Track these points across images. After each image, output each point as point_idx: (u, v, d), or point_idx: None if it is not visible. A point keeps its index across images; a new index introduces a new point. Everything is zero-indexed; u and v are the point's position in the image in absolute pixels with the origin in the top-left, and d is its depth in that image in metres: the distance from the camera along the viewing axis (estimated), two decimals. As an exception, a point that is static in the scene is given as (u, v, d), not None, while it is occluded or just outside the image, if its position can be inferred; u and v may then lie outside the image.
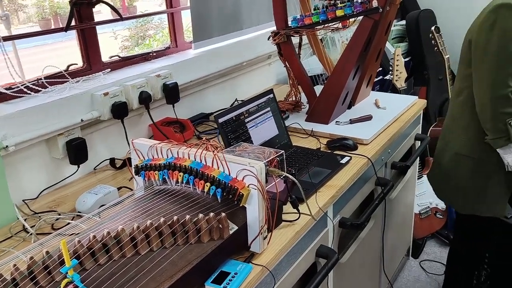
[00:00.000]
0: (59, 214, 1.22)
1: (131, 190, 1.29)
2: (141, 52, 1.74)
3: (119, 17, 1.56)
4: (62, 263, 0.81)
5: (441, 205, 2.39)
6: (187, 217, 0.93)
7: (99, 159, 1.50)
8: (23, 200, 1.29)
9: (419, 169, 2.30)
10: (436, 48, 2.44)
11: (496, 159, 1.50)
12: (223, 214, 0.95)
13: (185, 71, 1.74)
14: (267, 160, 1.00)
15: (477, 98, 1.46)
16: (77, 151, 1.37)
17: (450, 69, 2.58)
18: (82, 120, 1.37)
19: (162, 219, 0.91)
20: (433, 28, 2.43)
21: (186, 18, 1.89)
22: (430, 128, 2.49)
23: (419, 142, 1.98)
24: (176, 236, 0.91)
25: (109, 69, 1.58)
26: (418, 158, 2.13)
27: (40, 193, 1.34)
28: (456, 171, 1.61)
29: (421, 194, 2.32)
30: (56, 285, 0.79)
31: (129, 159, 1.23)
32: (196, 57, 1.82)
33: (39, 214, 1.22)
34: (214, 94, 1.96)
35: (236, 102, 2.02)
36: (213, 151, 1.00)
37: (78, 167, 1.40)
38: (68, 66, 1.48)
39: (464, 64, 1.53)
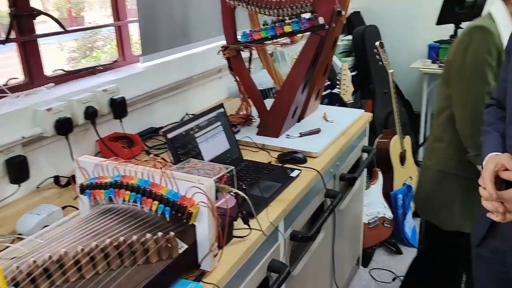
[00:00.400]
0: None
1: (77, 209, 1.24)
2: (87, 66, 1.69)
3: (62, 30, 1.52)
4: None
5: (389, 214, 2.47)
6: (134, 237, 0.90)
7: (43, 177, 1.43)
8: (-44, 223, 1.21)
9: (366, 180, 2.37)
10: (380, 62, 2.54)
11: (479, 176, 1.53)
12: (172, 233, 0.93)
13: (134, 85, 1.70)
14: (217, 177, 1.00)
15: (457, 116, 1.52)
16: (17, 170, 1.30)
17: (394, 82, 2.69)
18: (23, 137, 1.30)
19: (107, 241, 0.88)
20: (377, 43, 2.53)
21: (135, 30, 1.86)
22: (376, 140, 2.58)
23: (366, 154, 2.04)
24: (123, 257, 0.88)
25: (53, 84, 1.52)
26: (365, 170, 2.20)
27: (-23, 215, 1.26)
28: (441, 189, 1.63)
29: (369, 204, 2.39)
30: (-8, 316, 0.75)
31: (74, 176, 1.19)
32: (144, 71, 1.79)
33: (-25, 238, 1.15)
34: (164, 108, 1.93)
35: (186, 116, 2.00)
36: (161, 168, 0.99)
37: (19, 186, 1.33)
38: (8, 80, 1.42)
39: (444, 84, 1.57)
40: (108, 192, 1.03)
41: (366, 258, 2.39)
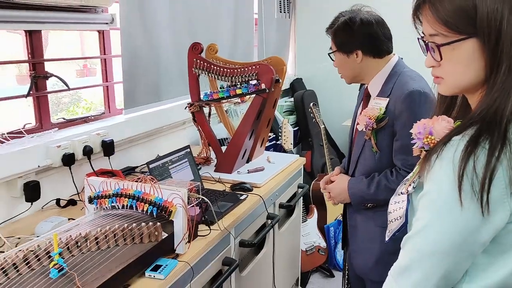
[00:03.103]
0: (19, 238, 1.55)
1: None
2: (82, 116, 2.15)
3: (67, 88, 1.99)
4: (48, 254, 1.19)
5: (323, 243, 2.97)
6: (134, 224, 1.35)
7: (47, 200, 1.84)
8: (-14, 229, 1.59)
9: (304, 214, 2.88)
10: (314, 120, 3.14)
11: None
12: (158, 223, 1.39)
13: (117, 131, 2.17)
14: (188, 188, 1.48)
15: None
16: (31, 191, 1.72)
17: (330, 137, 3.26)
18: (38, 166, 1.73)
19: (116, 225, 1.33)
20: (311, 104, 3.14)
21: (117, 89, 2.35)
22: (313, 182, 3.12)
23: (301, 189, 2.57)
24: (126, 237, 1.32)
25: (57, 128, 1.96)
26: (301, 203, 2.71)
27: (-1, 224, 1.65)
28: None
29: (306, 235, 2.88)
30: (44, 268, 1.17)
31: (72, 200, 1.63)
32: (126, 121, 2.27)
33: (4, 238, 1.53)
34: (139, 151, 2.39)
35: (158, 156, 2.46)
36: (152, 182, 1.45)
37: (31, 204, 1.74)
38: (24, 125, 1.85)
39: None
40: (111, 200, 1.48)
41: (304, 280, 2.84)
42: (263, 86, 2.14)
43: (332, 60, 1.85)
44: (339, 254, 3.04)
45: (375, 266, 1.74)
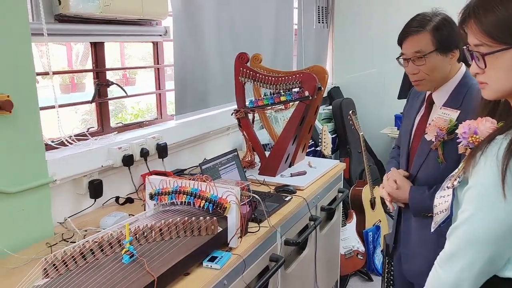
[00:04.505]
0: (86, 231, 1.70)
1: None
2: (137, 121, 2.32)
3: (125, 95, 2.15)
4: (119, 242, 1.33)
5: (361, 248, 3.02)
6: (193, 218, 1.48)
7: (107, 197, 2.00)
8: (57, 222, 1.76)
9: (343, 219, 2.95)
10: (353, 127, 3.22)
11: None
12: (215, 218, 1.51)
13: (169, 136, 2.32)
14: (241, 186, 1.59)
15: None
16: (95, 189, 1.88)
17: (367, 145, 3.33)
18: (102, 166, 1.89)
19: (178, 219, 1.45)
20: (350, 112, 3.22)
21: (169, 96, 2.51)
22: (352, 188, 3.19)
23: (341, 193, 2.64)
24: (186, 230, 1.45)
25: (116, 132, 2.13)
26: (341, 207, 2.79)
27: (66, 219, 1.81)
28: None
29: (345, 239, 2.95)
30: (116, 254, 1.30)
31: (130, 198, 1.78)
32: (176, 126, 2.42)
33: (77, 229, 1.69)
34: (187, 154, 2.54)
35: (205, 160, 2.60)
36: (208, 180, 1.58)
37: (95, 201, 1.90)
38: (88, 129, 2.03)
39: None
40: (170, 196, 1.61)
41: (343, 283, 2.91)
42: (306, 93, 2.24)
43: (418, 65, 1.63)
44: (377, 258, 3.09)
45: (427, 272, 1.72)
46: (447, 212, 1.01)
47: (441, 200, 1.03)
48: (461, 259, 0.92)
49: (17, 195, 1.56)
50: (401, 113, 4.04)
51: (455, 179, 0.98)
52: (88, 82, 4.09)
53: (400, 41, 1.67)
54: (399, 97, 3.55)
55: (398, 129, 3.93)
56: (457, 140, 1.00)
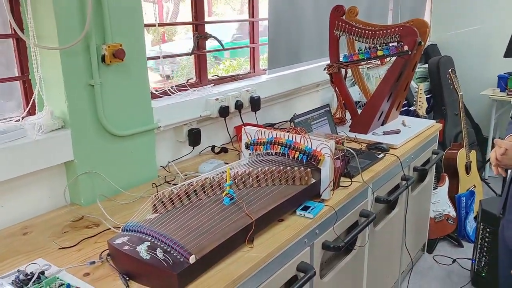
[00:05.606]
0: (185, 175, 1.82)
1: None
2: (231, 74, 2.38)
3: (221, 48, 2.21)
4: (219, 186, 1.40)
5: (453, 213, 2.91)
6: (288, 168, 1.51)
7: (204, 146, 2.10)
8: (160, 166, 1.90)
9: (435, 182, 2.83)
10: (452, 86, 3.02)
11: None
12: (309, 169, 1.53)
13: (261, 90, 2.35)
14: (335, 140, 1.59)
15: None
16: (194, 137, 1.98)
17: (465, 107, 3.13)
18: (200, 116, 1.99)
19: (274, 167, 1.50)
20: (450, 70, 3.02)
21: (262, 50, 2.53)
22: (446, 150, 3.04)
23: (435, 155, 2.54)
24: (281, 178, 1.49)
25: (213, 84, 2.21)
26: (434, 170, 2.68)
27: (168, 163, 1.94)
28: None
29: (436, 202, 2.85)
30: (217, 196, 1.38)
31: (224, 148, 1.84)
32: (268, 81, 2.45)
33: (179, 172, 1.82)
34: (277, 109, 2.57)
35: (295, 115, 2.62)
36: (302, 133, 1.60)
37: (193, 148, 2.01)
38: (188, 80, 2.12)
39: None
40: (265, 147, 1.66)
41: (430, 247, 2.84)
42: (405, 48, 2.14)
43: None
44: (469, 225, 2.96)
45: None
46: None
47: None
48: None
49: (127, 138, 1.70)
50: (505, 73, 3.72)
51: None
52: (178, 39, 4.23)
53: None
54: (506, 55, 3.25)
55: (501, 91, 3.62)
56: None
